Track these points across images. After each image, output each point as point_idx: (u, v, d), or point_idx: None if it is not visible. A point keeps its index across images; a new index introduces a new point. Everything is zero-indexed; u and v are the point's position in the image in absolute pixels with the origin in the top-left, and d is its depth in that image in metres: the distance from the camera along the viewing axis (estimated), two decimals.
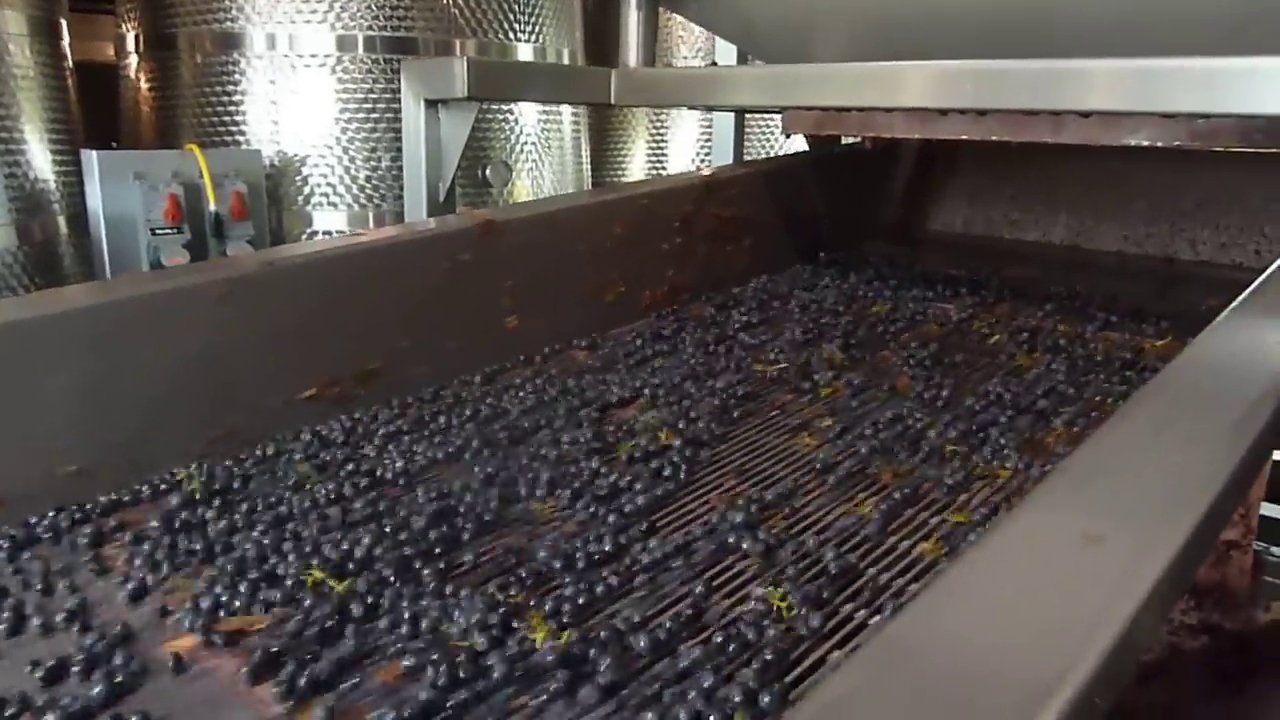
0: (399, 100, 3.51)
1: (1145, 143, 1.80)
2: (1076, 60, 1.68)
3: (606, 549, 1.14)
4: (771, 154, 4.83)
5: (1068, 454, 1.39)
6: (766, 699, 0.85)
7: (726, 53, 3.24)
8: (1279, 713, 1.42)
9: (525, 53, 3.77)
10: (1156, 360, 1.80)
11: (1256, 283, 1.14)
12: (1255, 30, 1.69)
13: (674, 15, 4.67)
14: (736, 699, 0.85)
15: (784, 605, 1.01)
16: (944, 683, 0.50)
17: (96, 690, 0.88)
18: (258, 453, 1.39)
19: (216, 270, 1.39)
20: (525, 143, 3.92)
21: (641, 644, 0.95)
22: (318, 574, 1.05)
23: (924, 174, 2.93)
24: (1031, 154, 2.76)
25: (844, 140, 2.84)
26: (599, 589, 1.06)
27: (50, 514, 1.21)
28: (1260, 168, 2.43)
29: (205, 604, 1.01)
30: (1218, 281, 2.36)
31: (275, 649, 0.94)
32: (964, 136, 2.02)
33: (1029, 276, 2.39)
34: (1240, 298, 1.09)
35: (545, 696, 0.89)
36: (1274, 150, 1.75)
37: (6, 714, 0.86)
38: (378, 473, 1.33)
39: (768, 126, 4.81)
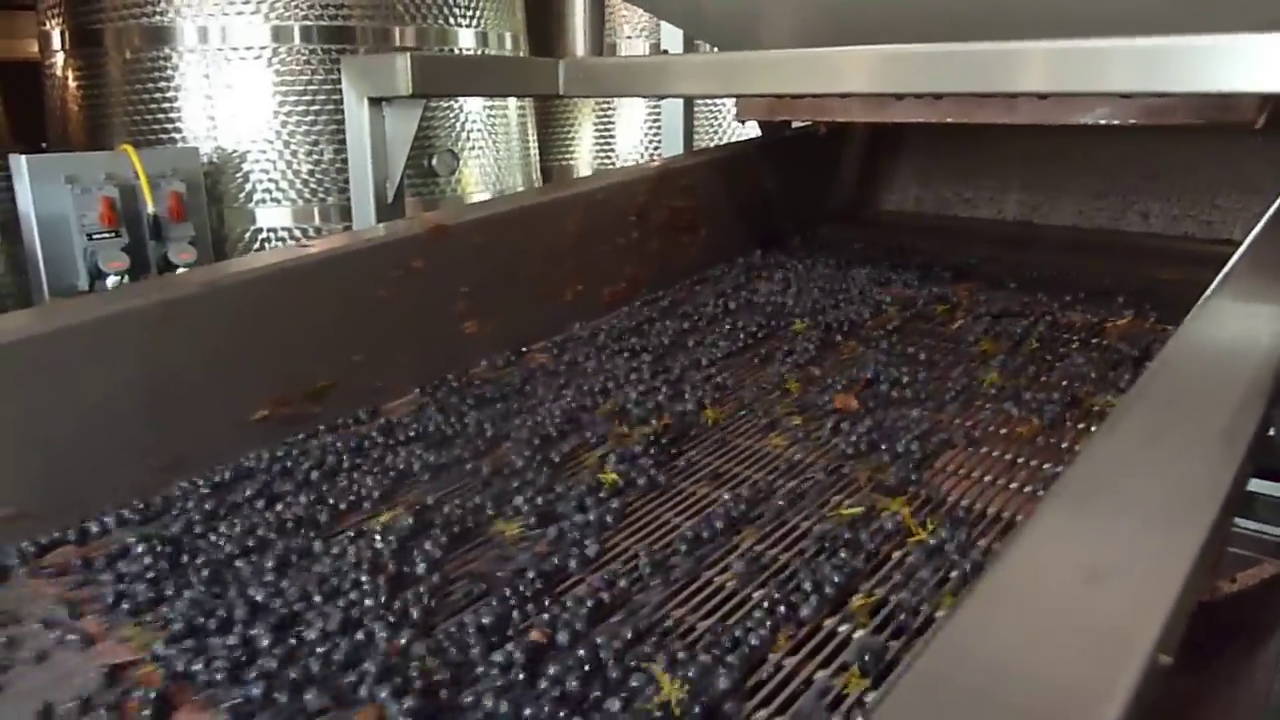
0: (340, 91, 3.41)
1: (1101, 121, 1.79)
2: (1028, 42, 1.66)
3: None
4: (721, 139, 4.79)
5: (1043, 446, 1.40)
6: None
7: (672, 36, 3.19)
8: (1246, 684, 1.43)
9: (466, 38, 3.69)
10: (1119, 340, 1.80)
11: (1226, 269, 1.13)
12: (1205, 7, 1.69)
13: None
14: None
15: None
16: None
17: None
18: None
19: (153, 292, 1.32)
20: (471, 131, 3.85)
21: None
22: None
23: (875, 155, 2.92)
24: (982, 132, 2.75)
25: (794, 124, 2.81)
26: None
27: None
28: (1210, 141, 2.45)
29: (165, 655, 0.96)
30: (1169, 253, 2.38)
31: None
32: (918, 120, 2.00)
33: (985, 255, 2.38)
34: (1212, 286, 1.08)
35: None
36: (1226, 124, 1.74)
37: None
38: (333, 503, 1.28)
39: (717, 110, 4.77)
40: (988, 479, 1.32)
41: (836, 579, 1.06)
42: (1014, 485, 1.30)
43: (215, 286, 1.36)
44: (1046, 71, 1.64)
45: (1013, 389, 1.60)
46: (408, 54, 1.91)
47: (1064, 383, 1.61)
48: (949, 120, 1.97)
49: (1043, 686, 0.50)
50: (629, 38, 5.04)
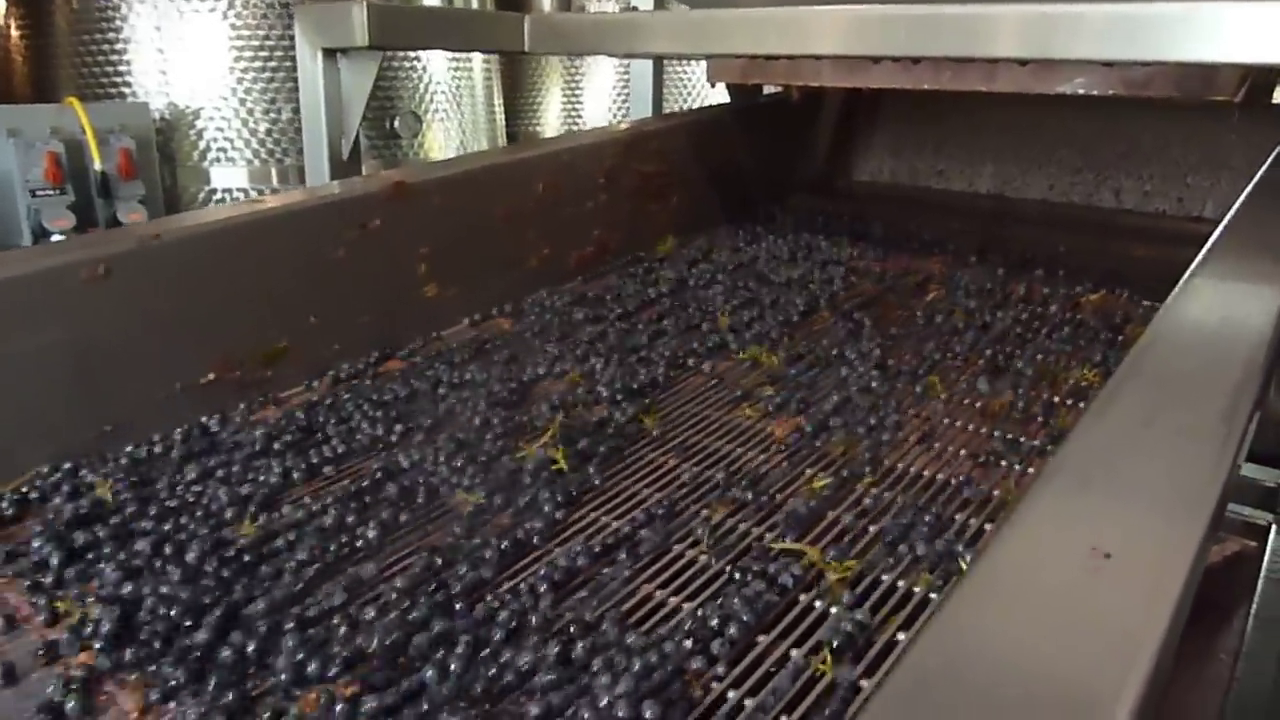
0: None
1: (1080, 91, 1.75)
2: (1008, 5, 1.62)
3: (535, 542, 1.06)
4: (690, 103, 4.72)
5: (1021, 420, 1.37)
6: None
7: None
8: (1210, 664, 1.42)
9: None
10: (1093, 315, 1.77)
11: (1208, 246, 1.10)
12: None
13: None
14: None
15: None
16: None
17: None
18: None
19: (91, 247, 1.24)
20: (435, 92, 3.75)
21: None
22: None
23: (848, 125, 2.87)
24: (957, 104, 2.72)
25: (766, 90, 2.75)
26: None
27: None
28: (1184, 119, 2.43)
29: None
30: (1141, 230, 2.37)
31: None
32: (895, 86, 1.95)
33: (958, 229, 2.35)
34: (1195, 263, 1.05)
35: None
36: (1204, 101, 1.71)
37: None
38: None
39: (686, 72, 4.69)
40: (962, 452, 1.29)
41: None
42: (987, 458, 1.27)
43: (160, 242, 1.28)
44: (1026, 36, 1.60)
45: (986, 361, 1.57)
46: (364, 3, 1.82)
47: (1038, 356, 1.58)
48: (925, 87, 1.92)
49: (1047, 682, 0.46)
50: None
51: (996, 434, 1.34)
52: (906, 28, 1.70)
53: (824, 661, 0.87)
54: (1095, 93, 1.76)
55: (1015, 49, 1.64)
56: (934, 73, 1.88)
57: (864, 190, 2.82)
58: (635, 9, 3.04)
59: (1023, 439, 1.31)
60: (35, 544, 1.04)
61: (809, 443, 1.31)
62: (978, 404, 1.43)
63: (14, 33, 3.58)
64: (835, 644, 0.89)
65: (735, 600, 0.95)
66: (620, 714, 0.79)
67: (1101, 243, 2.22)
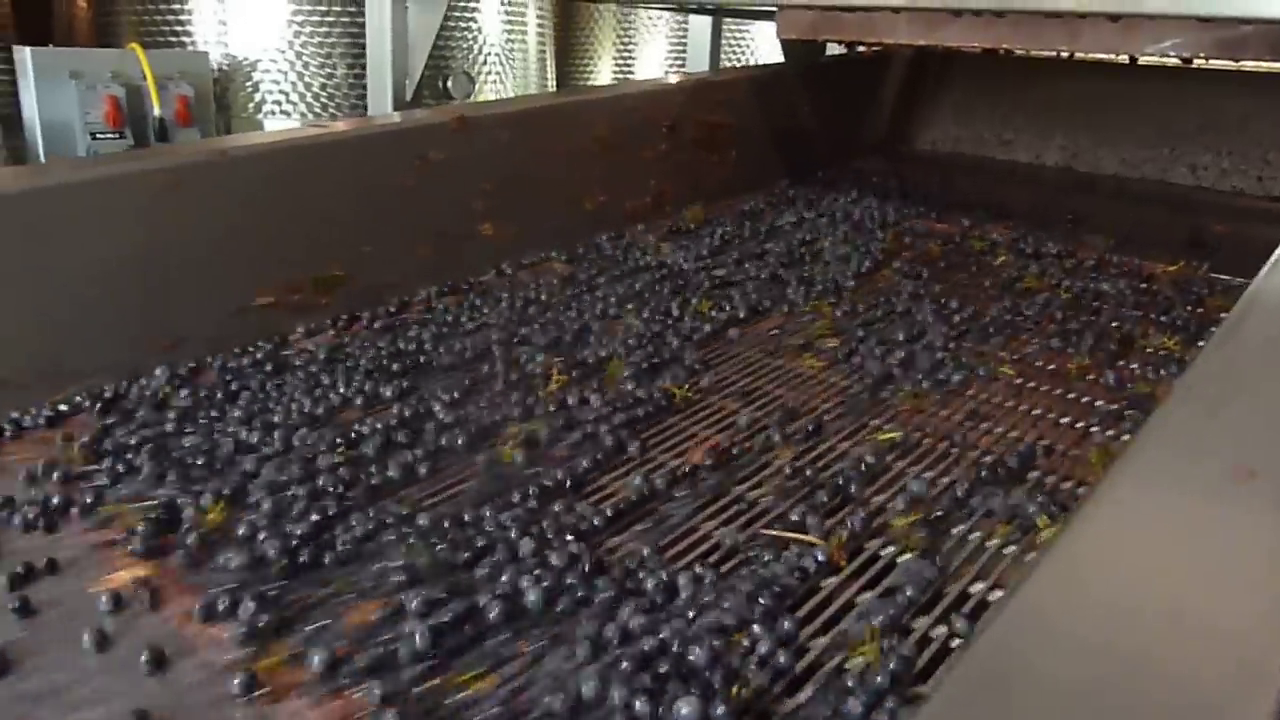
0: (356, 2, 3.30)
1: (1170, 53, 1.68)
2: None
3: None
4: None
5: (1096, 383, 1.31)
6: None
7: None
8: None
9: None
10: (1169, 286, 1.71)
11: None
12: None
13: None
14: None
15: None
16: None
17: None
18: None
19: (163, 158, 1.23)
20: (488, 54, 3.73)
21: None
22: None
23: (914, 90, 2.79)
24: (1027, 71, 2.64)
25: (826, 51, 2.69)
26: None
27: None
28: (1267, 92, 2.33)
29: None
30: (1219, 207, 2.28)
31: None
32: (972, 44, 1.88)
33: (1026, 198, 2.28)
34: None
35: None
36: None
37: None
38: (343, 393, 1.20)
39: (740, 36, 4.61)
40: (1035, 411, 1.24)
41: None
42: (1061, 418, 1.22)
43: (229, 158, 1.26)
44: None
45: (1058, 325, 1.51)
46: None
47: (1114, 323, 1.52)
48: (1004, 47, 1.86)
49: (1155, 681, 0.41)
50: None
51: (1071, 396, 1.28)
52: None
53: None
54: (1185, 54, 1.69)
55: (1106, 2, 1.57)
56: (1014, 30, 1.81)
57: (927, 156, 2.75)
58: None
59: (1099, 401, 1.26)
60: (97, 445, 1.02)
61: (874, 394, 1.27)
62: (1050, 365, 1.38)
63: None
64: (909, 591, 0.85)
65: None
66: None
67: (1177, 217, 2.14)
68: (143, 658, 0.73)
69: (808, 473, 1.06)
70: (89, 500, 0.94)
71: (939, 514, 0.98)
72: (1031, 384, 1.32)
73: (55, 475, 0.99)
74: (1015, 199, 2.27)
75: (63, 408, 1.12)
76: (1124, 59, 2.40)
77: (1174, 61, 2.07)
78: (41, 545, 0.89)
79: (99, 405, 1.14)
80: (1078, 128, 2.57)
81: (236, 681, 0.71)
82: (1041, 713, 0.37)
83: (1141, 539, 0.46)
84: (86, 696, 0.71)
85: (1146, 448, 0.54)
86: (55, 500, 0.93)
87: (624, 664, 0.73)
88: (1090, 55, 2.39)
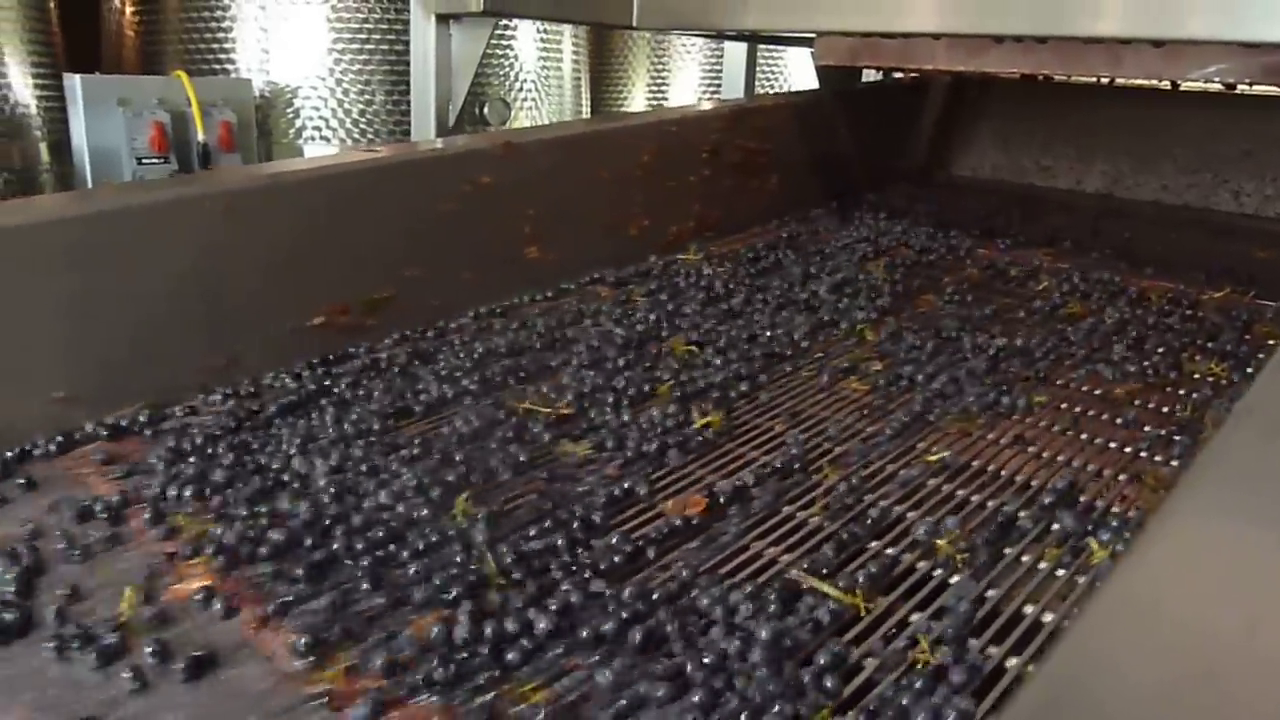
0: (395, 30, 3.35)
1: (1215, 79, 1.68)
2: None
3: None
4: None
5: (1145, 408, 1.31)
6: None
7: None
8: None
9: None
10: (1215, 313, 1.69)
11: None
12: None
13: None
14: None
15: None
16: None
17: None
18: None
19: (216, 182, 1.26)
20: (524, 80, 3.78)
21: None
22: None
23: (953, 116, 2.80)
24: (1067, 97, 2.63)
25: (863, 78, 2.71)
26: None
27: (37, 443, 1.09)
28: None
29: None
30: (1263, 234, 2.26)
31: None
32: (1013, 71, 1.89)
33: (1067, 224, 2.28)
34: None
35: None
36: None
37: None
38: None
39: (774, 64, 4.64)
40: (1082, 436, 1.23)
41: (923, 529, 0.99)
42: (1108, 443, 1.21)
43: (279, 182, 1.29)
44: (1162, 13, 1.53)
45: (1104, 350, 1.50)
46: None
47: (1160, 349, 1.51)
48: (1045, 72, 1.86)
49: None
50: None
51: (1118, 421, 1.27)
52: (1032, 4, 1.64)
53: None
54: (1230, 80, 1.68)
55: (1148, 28, 1.57)
56: (1055, 56, 1.82)
57: (966, 184, 2.75)
58: None
59: (1148, 427, 1.25)
60: (157, 463, 1.05)
61: (922, 418, 1.27)
62: (1097, 390, 1.37)
63: (127, 7, 3.69)
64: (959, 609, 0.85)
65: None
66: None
67: (1221, 243, 2.12)
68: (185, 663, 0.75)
69: (854, 494, 1.06)
70: (154, 511, 0.96)
71: (988, 536, 0.98)
72: (1078, 408, 1.31)
73: (121, 487, 1.01)
74: (1056, 225, 2.26)
75: (124, 423, 1.15)
76: (1166, 85, 2.40)
77: (1217, 87, 2.06)
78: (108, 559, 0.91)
79: (159, 420, 1.16)
80: (1119, 154, 2.56)
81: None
82: None
83: (1202, 567, 0.46)
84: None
85: (1206, 474, 0.54)
86: (122, 510, 0.96)
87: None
88: (1132, 81, 2.38)
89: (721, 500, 1.04)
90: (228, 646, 0.79)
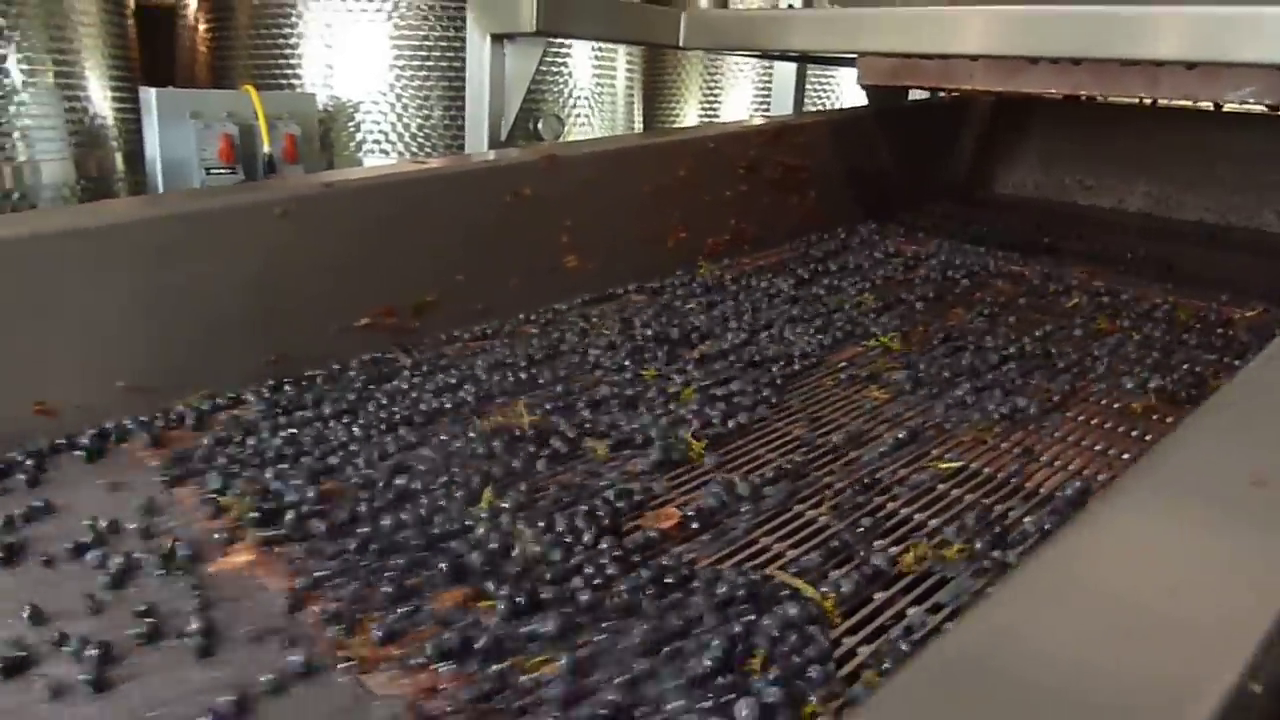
0: (454, 48, 3.46)
1: (1250, 100, 1.69)
2: (1184, 6, 1.58)
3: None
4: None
5: (1159, 422, 1.33)
6: None
7: None
8: None
9: None
10: (1245, 331, 1.70)
11: None
12: None
13: None
14: None
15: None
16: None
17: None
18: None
19: (276, 189, 1.35)
20: (578, 97, 3.86)
21: None
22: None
23: (994, 135, 2.82)
24: (1111, 116, 2.64)
25: (909, 96, 2.74)
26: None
27: (108, 425, 1.19)
28: None
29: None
30: None
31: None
32: (1050, 91, 1.91)
33: (1105, 242, 2.29)
34: None
35: None
36: None
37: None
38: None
39: (825, 82, 4.69)
40: (1098, 446, 1.26)
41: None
42: (1124, 455, 1.23)
43: (334, 190, 1.38)
44: (1196, 36, 1.55)
45: (1129, 365, 1.52)
46: None
47: (1185, 365, 1.53)
48: (1082, 93, 1.88)
49: (1090, 688, 0.41)
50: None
51: (1134, 433, 1.30)
52: (1066, 26, 1.68)
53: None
54: (1267, 102, 1.69)
55: (1184, 50, 1.59)
56: (1092, 77, 1.84)
57: (1008, 202, 2.77)
58: (790, 6, 3.07)
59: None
60: (211, 447, 1.13)
61: (939, 426, 1.30)
62: (1116, 404, 1.40)
63: (201, 25, 3.85)
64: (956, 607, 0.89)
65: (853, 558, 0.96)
66: None
67: (1262, 263, 2.12)
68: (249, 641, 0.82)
69: (863, 495, 1.10)
70: (211, 491, 1.04)
71: (991, 539, 1.01)
72: (1094, 421, 1.33)
73: (184, 469, 1.10)
74: (1094, 244, 2.27)
75: (182, 413, 1.24)
76: (1209, 105, 2.40)
77: (1260, 108, 2.06)
78: (163, 535, 0.99)
79: (215, 410, 1.26)
80: (1162, 173, 2.56)
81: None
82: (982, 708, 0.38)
83: (1130, 545, 0.48)
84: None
85: (1154, 461, 0.58)
86: (182, 491, 1.04)
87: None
88: (1175, 102, 2.39)
89: (737, 495, 1.09)
90: (270, 615, 0.86)
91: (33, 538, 0.97)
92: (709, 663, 0.77)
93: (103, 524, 0.99)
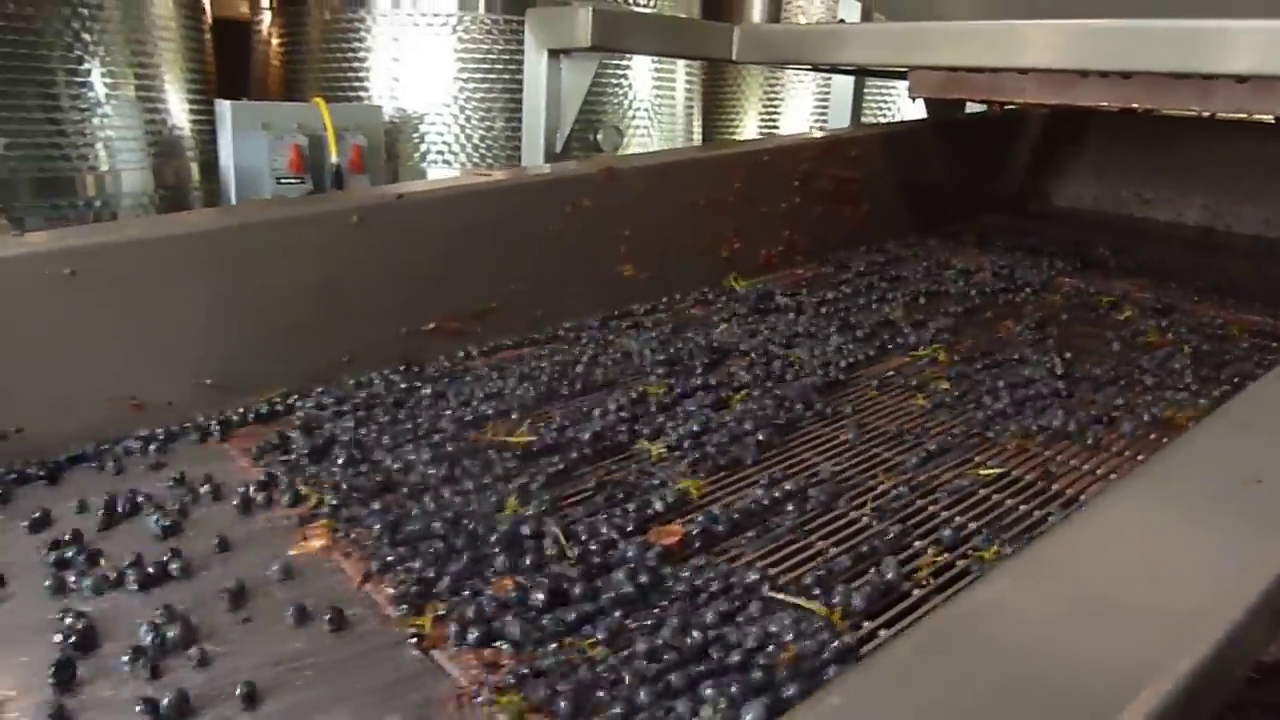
0: (516, 62, 3.55)
1: None
2: (1232, 20, 1.59)
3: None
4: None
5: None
6: None
7: (850, 11, 3.16)
8: None
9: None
10: None
11: None
12: None
13: None
14: None
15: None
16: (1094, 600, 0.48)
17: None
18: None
19: (348, 199, 1.43)
20: (638, 109, 3.93)
21: None
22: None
23: (1049, 147, 2.82)
24: (1167, 129, 2.63)
25: (966, 108, 2.75)
26: None
27: (189, 422, 1.28)
28: None
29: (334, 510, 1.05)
30: None
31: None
32: (1102, 104, 1.93)
33: (1160, 256, 2.29)
34: None
35: None
36: None
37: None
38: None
39: (884, 94, 4.70)
40: (1140, 457, 1.28)
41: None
42: None
43: (405, 201, 1.46)
44: (1248, 50, 1.56)
45: (1175, 378, 1.54)
46: (589, 6, 1.98)
47: (1235, 379, 1.54)
48: (1134, 106, 1.89)
49: (1059, 663, 0.44)
50: (801, 8, 5.04)
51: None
52: (1117, 40, 1.70)
53: None
54: None
55: (1234, 64, 1.60)
56: (1145, 90, 1.85)
57: (1063, 214, 2.77)
58: (843, 20, 3.10)
59: None
60: (284, 442, 1.22)
61: (980, 433, 1.33)
62: (1163, 415, 1.41)
63: (274, 39, 3.99)
64: None
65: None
66: None
67: None
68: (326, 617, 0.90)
69: (904, 498, 1.14)
70: (287, 482, 1.12)
71: (1025, 542, 1.05)
72: (1140, 432, 1.35)
73: (261, 462, 1.19)
74: (1149, 257, 2.27)
75: (262, 409, 1.33)
76: (1267, 118, 2.38)
77: None
78: (247, 521, 1.07)
79: (288, 409, 1.34)
80: (1220, 187, 2.55)
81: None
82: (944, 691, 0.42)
83: (1123, 532, 0.51)
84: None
85: (1160, 461, 0.62)
86: (262, 480, 1.13)
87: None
88: (1229, 115, 2.38)
89: (779, 496, 1.14)
90: (343, 596, 0.93)
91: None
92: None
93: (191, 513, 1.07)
